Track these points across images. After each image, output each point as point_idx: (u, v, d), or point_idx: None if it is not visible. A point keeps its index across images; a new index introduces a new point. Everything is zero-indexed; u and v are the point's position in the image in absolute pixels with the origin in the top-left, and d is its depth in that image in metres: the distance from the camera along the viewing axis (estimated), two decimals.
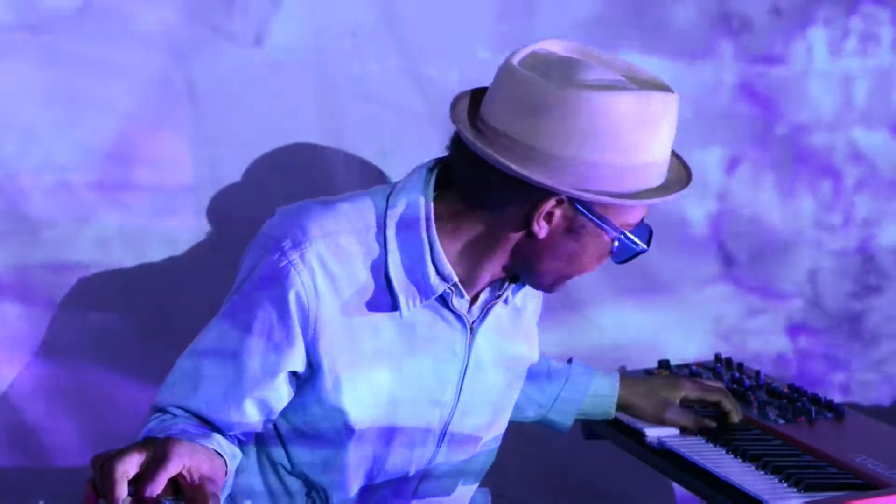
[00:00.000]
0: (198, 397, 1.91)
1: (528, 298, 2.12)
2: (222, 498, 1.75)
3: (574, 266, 1.95)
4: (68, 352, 2.64)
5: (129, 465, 1.55)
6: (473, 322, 1.99)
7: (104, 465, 1.55)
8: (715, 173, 3.07)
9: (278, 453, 2.03)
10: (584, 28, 2.81)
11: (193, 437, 1.73)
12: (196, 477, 1.60)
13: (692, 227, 3.09)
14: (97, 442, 2.64)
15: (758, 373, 2.53)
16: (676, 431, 2.30)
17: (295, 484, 2.05)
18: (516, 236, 1.91)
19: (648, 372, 2.60)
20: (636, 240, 1.92)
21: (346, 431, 1.97)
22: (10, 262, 2.58)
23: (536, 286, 2.01)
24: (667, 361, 2.57)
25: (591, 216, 1.88)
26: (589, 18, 2.86)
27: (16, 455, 2.65)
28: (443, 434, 2.05)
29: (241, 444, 1.97)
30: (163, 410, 1.92)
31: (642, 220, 1.93)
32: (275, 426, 2.01)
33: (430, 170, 1.96)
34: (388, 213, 1.93)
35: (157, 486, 1.55)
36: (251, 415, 1.92)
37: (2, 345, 2.60)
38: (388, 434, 2.00)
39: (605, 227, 1.89)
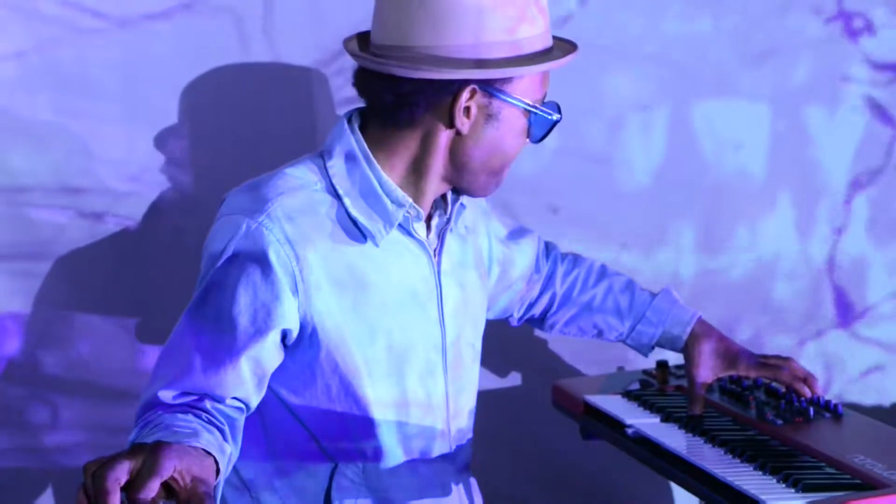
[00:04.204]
0: (192, 371, 1.94)
1: (479, 232, 2.28)
2: (217, 498, 1.75)
3: (499, 152, 2.07)
4: (69, 352, 2.64)
5: (121, 472, 1.55)
6: (434, 249, 2.12)
7: (96, 473, 1.55)
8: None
9: (310, 448, 2.09)
10: None
11: (181, 439, 1.73)
12: (188, 479, 1.61)
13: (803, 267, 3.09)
14: (98, 442, 2.64)
15: None
16: (656, 421, 2.35)
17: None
18: (445, 141, 2.04)
19: (647, 372, 2.60)
20: (548, 110, 2.07)
21: (361, 391, 2.05)
22: (12, 263, 2.58)
23: (474, 190, 2.12)
24: (665, 362, 2.57)
25: (503, 97, 2.01)
26: None
27: (17, 455, 2.65)
28: (444, 370, 2.14)
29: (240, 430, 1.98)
30: (149, 407, 1.92)
31: (545, 96, 2.08)
32: (299, 419, 2.06)
33: (348, 120, 2.08)
34: (328, 165, 2.05)
35: (150, 491, 1.56)
36: (246, 376, 1.97)
37: (3, 344, 2.61)
38: (399, 376, 2.09)
39: (519, 103, 2.03)
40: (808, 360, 3.06)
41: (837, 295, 3.12)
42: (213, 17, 2.61)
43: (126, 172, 2.61)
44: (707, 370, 2.38)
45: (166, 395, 1.92)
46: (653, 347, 2.46)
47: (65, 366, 2.65)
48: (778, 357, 2.42)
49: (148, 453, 1.59)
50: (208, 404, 1.92)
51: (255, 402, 2.00)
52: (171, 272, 2.60)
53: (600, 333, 2.48)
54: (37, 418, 2.65)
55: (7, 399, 2.63)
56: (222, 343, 1.95)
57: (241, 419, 1.97)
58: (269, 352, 1.98)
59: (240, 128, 2.67)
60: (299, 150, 2.17)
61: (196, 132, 2.64)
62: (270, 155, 2.31)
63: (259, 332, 1.96)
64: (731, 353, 2.40)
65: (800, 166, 3.06)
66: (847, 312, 3.13)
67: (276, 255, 1.97)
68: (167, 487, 1.60)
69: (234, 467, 2.05)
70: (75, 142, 2.57)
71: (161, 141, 2.62)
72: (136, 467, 1.57)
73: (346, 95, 2.63)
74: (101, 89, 2.56)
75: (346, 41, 2.10)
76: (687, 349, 2.41)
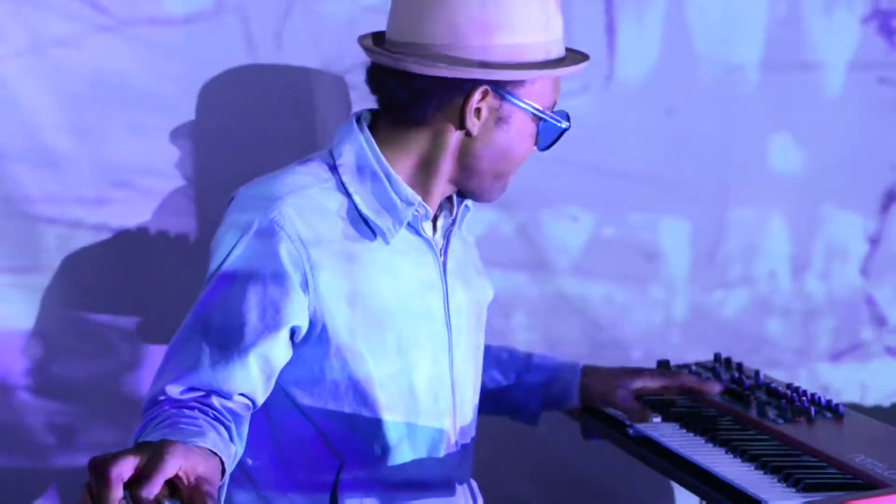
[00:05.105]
0: (200, 366, 1.95)
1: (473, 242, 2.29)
2: (221, 498, 1.76)
3: (507, 156, 2.08)
4: (68, 352, 2.64)
5: (124, 468, 1.55)
6: (440, 249, 2.14)
7: (99, 469, 1.55)
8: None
9: (320, 451, 2.09)
10: None
11: (187, 437, 1.73)
12: (192, 478, 1.61)
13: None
14: (101, 444, 2.65)
15: (757, 372, 2.53)
16: (657, 420, 2.35)
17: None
18: (454, 141, 2.06)
19: None
20: (557, 117, 2.08)
21: (369, 389, 2.06)
22: (11, 264, 2.58)
23: (479, 193, 2.13)
24: (666, 362, 2.57)
25: (514, 100, 2.03)
26: None
27: (19, 456, 2.65)
28: (451, 369, 2.15)
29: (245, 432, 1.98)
30: (155, 402, 1.92)
31: (555, 105, 2.10)
32: (307, 417, 2.07)
33: (358, 119, 2.09)
34: (338, 163, 2.07)
35: (154, 488, 1.56)
36: (255, 372, 1.97)
37: (3, 344, 2.61)
38: (406, 374, 2.10)
39: (529, 107, 2.05)
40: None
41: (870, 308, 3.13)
42: (220, 21, 2.61)
43: (129, 174, 2.61)
44: (619, 387, 2.37)
45: (173, 391, 1.92)
46: (540, 402, 2.42)
47: (67, 369, 2.65)
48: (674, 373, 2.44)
49: (153, 451, 1.59)
50: (215, 401, 1.93)
51: (261, 399, 2.00)
52: (177, 274, 2.60)
53: (484, 387, 2.36)
54: (38, 420, 2.65)
55: (9, 401, 2.63)
56: (231, 339, 1.96)
57: (247, 416, 1.98)
58: (277, 349, 1.99)
59: (245, 130, 2.67)
60: (304, 152, 2.18)
61: (201, 134, 2.64)
62: (275, 157, 2.32)
63: (268, 328, 1.97)
64: (627, 369, 2.42)
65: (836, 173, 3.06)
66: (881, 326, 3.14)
67: (287, 253, 1.98)
68: (171, 486, 1.60)
69: (240, 464, 2.05)
70: (77, 144, 2.57)
71: (166, 142, 2.62)
72: (141, 465, 1.57)
73: (351, 98, 2.64)
74: (105, 91, 2.56)
75: (361, 38, 2.11)
76: (585, 388, 2.39)
